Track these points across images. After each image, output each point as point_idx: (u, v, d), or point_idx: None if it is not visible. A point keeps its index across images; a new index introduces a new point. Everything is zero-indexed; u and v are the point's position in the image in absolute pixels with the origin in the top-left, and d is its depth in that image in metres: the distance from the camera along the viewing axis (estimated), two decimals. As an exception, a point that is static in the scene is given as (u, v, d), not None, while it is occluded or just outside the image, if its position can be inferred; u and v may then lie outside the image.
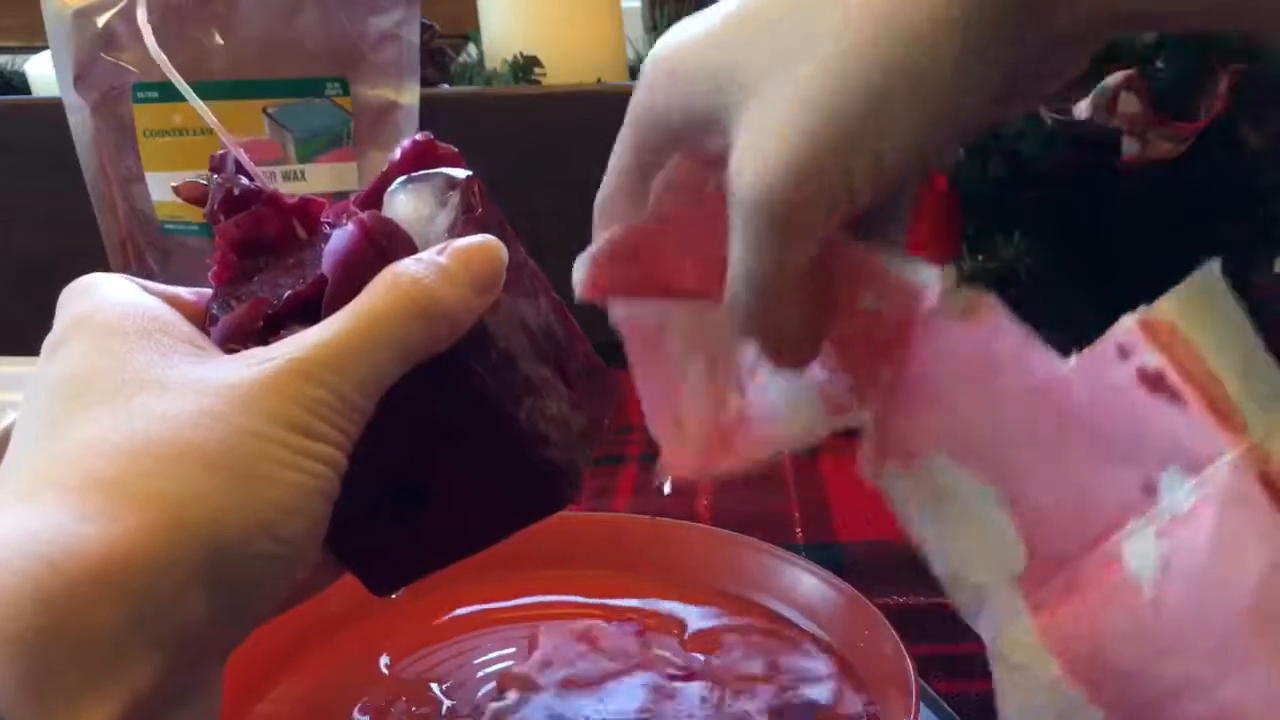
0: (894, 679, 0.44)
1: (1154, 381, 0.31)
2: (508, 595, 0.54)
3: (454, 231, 0.34)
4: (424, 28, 0.85)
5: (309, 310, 0.32)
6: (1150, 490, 0.32)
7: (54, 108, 0.80)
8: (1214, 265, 0.32)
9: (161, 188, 0.79)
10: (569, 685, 0.48)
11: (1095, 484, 0.33)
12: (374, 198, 0.35)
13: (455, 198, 0.34)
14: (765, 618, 0.52)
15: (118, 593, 0.26)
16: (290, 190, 0.80)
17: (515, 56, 0.91)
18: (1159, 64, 0.72)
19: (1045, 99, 0.71)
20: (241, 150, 0.37)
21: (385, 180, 0.36)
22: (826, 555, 0.54)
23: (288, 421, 0.29)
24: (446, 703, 0.47)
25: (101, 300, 0.32)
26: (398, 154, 0.36)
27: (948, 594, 0.37)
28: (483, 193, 0.35)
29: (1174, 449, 0.31)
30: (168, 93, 0.77)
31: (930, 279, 0.35)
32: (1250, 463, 0.30)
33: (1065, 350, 0.34)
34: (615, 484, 0.69)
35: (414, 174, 0.35)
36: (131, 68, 0.77)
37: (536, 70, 0.91)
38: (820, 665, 0.48)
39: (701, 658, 0.49)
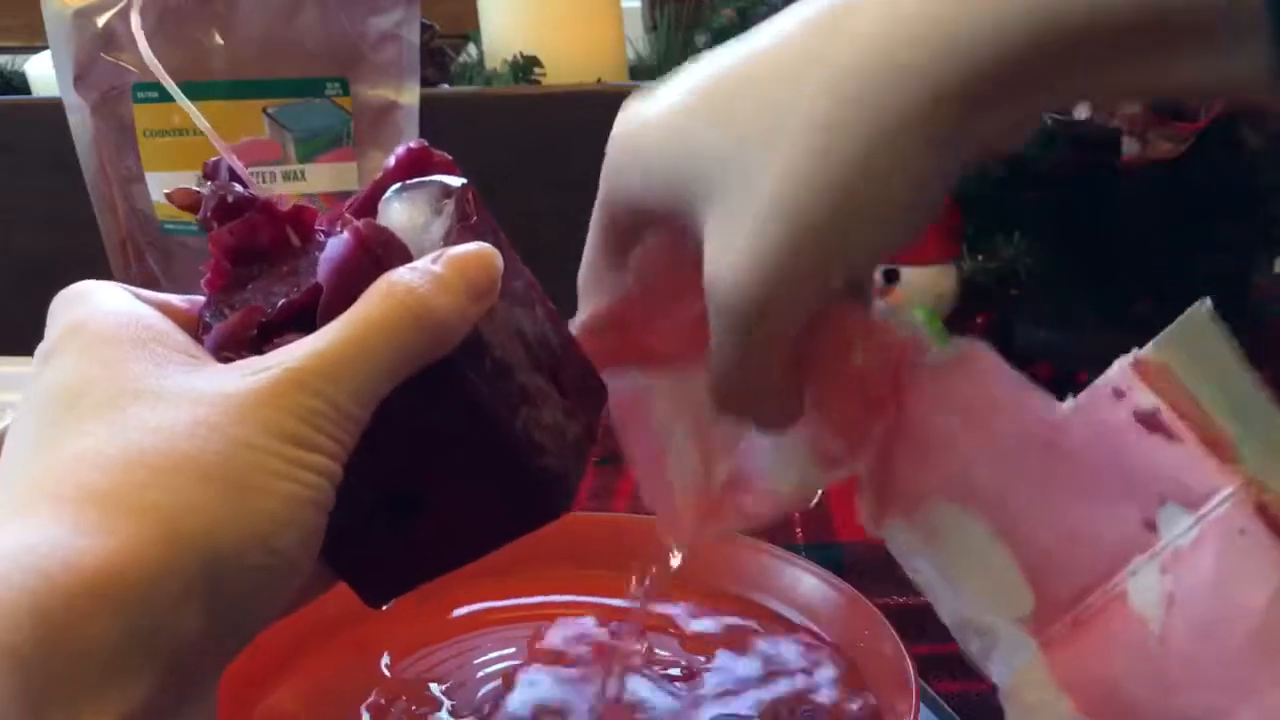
0: (894, 679, 0.44)
1: (1150, 421, 0.32)
2: (508, 595, 0.54)
3: (449, 240, 0.34)
4: (424, 28, 0.85)
5: (303, 318, 0.32)
6: (1151, 527, 0.32)
7: (54, 108, 0.80)
8: (1203, 305, 0.32)
9: (161, 188, 0.79)
10: (569, 685, 0.48)
11: (1096, 523, 0.34)
12: (368, 205, 0.35)
13: (450, 206, 0.34)
14: (765, 618, 0.52)
15: (114, 606, 0.26)
16: (290, 190, 0.80)
17: (515, 56, 0.91)
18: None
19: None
20: (235, 156, 0.37)
21: (380, 187, 0.35)
22: (826, 555, 0.54)
23: (282, 432, 0.29)
24: (446, 703, 0.47)
25: (94, 308, 0.32)
26: (392, 161, 0.36)
27: (957, 640, 0.37)
28: (478, 200, 0.35)
29: (1172, 486, 0.32)
30: (168, 93, 0.77)
31: (920, 332, 0.37)
32: (1247, 496, 0.31)
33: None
34: (615, 484, 0.69)
35: (409, 181, 0.35)
36: (131, 68, 0.77)
37: (536, 70, 0.91)
38: (820, 665, 0.48)
39: (702, 658, 0.49)
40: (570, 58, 0.92)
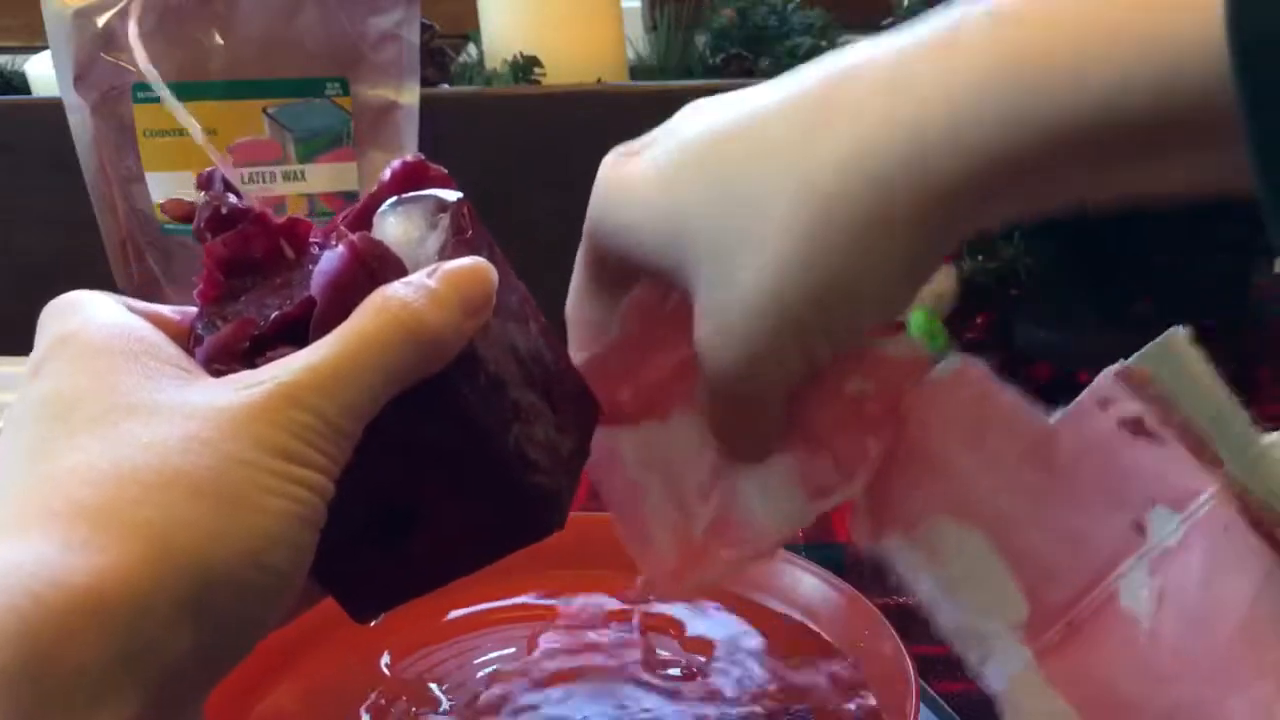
0: (894, 679, 0.45)
1: (1135, 426, 0.34)
2: (508, 595, 0.54)
3: (444, 254, 0.33)
4: (424, 28, 0.85)
5: (296, 331, 0.32)
6: (1140, 529, 0.34)
7: (54, 108, 0.80)
8: (1179, 330, 0.34)
9: (161, 188, 0.78)
10: (569, 685, 0.48)
11: (1088, 530, 0.35)
12: (363, 218, 0.35)
13: (445, 220, 0.34)
14: (765, 618, 0.52)
15: (103, 626, 0.26)
16: (290, 190, 0.80)
17: (515, 56, 0.91)
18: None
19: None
20: (230, 166, 0.37)
21: (375, 200, 0.35)
22: (826, 555, 0.54)
23: (275, 447, 0.29)
24: (446, 703, 0.47)
25: (85, 319, 0.32)
26: (387, 174, 0.36)
27: (956, 649, 0.38)
28: (473, 215, 0.35)
29: (1160, 488, 0.34)
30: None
31: (919, 351, 0.37)
32: (1231, 495, 0.32)
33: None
34: (615, 484, 0.69)
35: (404, 195, 0.35)
36: (131, 68, 0.77)
37: (536, 70, 0.91)
38: (820, 665, 0.48)
39: (702, 658, 0.49)
40: (570, 58, 0.92)
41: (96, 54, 0.77)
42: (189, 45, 0.78)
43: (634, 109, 0.87)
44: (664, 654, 0.50)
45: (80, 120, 0.79)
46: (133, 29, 0.44)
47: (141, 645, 0.26)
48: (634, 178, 0.36)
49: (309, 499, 0.29)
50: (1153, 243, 0.73)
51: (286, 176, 0.80)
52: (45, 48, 0.82)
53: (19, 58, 1.03)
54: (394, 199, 0.35)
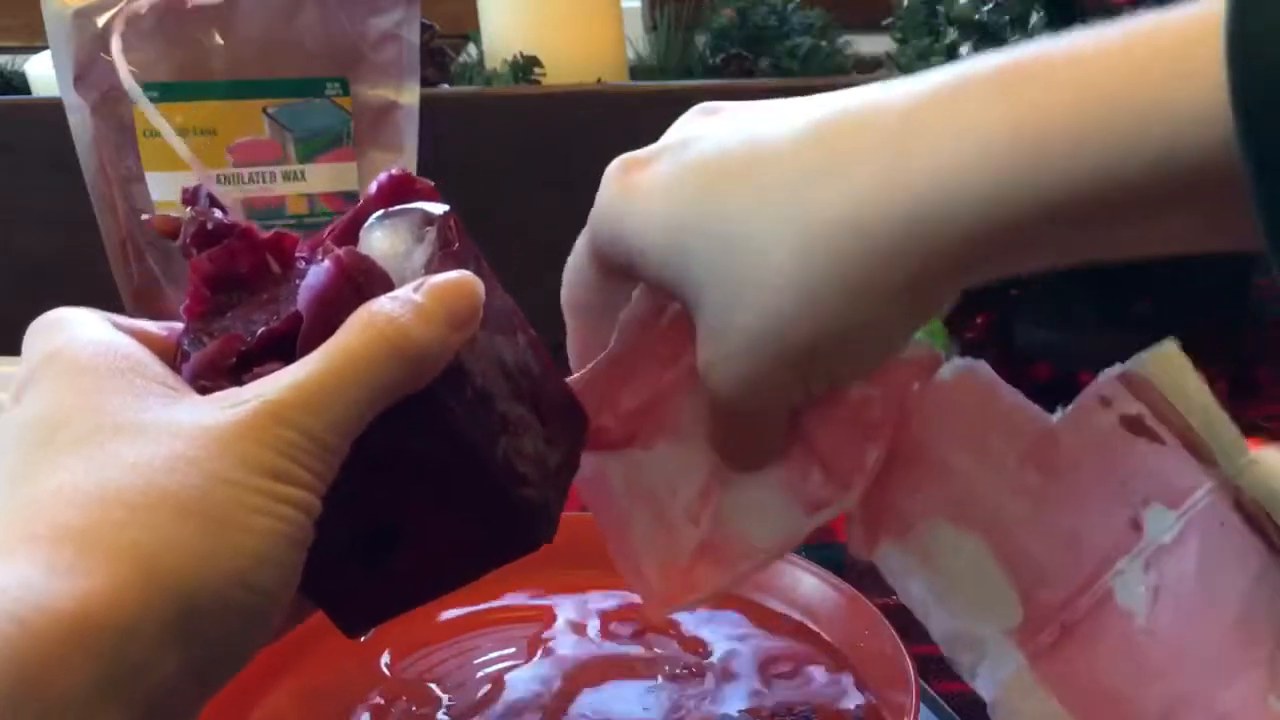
0: (894, 679, 0.45)
1: (1135, 425, 0.35)
2: (507, 595, 0.54)
3: (430, 268, 0.33)
4: (424, 28, 0.85)
5: (283, 347, 0.32)
6: (1137, 527, 0.34)
7: (54, 108, 0.80)
8: (1171, 342, 0.35)
9: (161, 188, 0.78)
10: (569, 685, 0.48)
11: (1085, 528, 0.35)
12: (350, 232, 0.35)
13: (432, 233, 0.34)
14: (765, 618, 0.52)
15: (90, 651, 0.25)
16: (290, 190, 0.80)
17: (515, 56, 0.91)
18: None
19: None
20: (215, 183, 0.37)
21: (361, 214, 0.35)
22: (826, 555, 0.54)
23: (261, 466, 0.29)
24: (447, 702, 0.47)
25: (71, 337, 0.31)
26: (374, 188, 0.35)
27: (947, 656, 0.38)
28: (460, 228, 0.35)
29: (1157, 485, 0.34)
30: (167, 93, 0.77)
31: (927, 351, 0.38)
32: (1226, 491, 0.33)
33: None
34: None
35: (390, 209, 0.35)
36: (131, 68, 0.77)
37: (536, 70, 0.91)
38: (820, 665, 0.48)
39: (701, 658, 0.49)
40: (570, 58, 0.92)
41: (96, 54, 0.77)
42: (189, 45, 0.78)
43: (634, 109, 0.87)
44: (664, 654, 0.50)
45: (80, 120, 0.79)
46: (116, 43, 0.44)
47: (128, 669, 0.26)
48: (640, 190, 0.36)
49: (296, 517, 0.29)
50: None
51: (286, 176, 0.80)
52: (45, 48, 0.82)
53: (19, 58, 1.03)
54: (380, 212, 0.35)
